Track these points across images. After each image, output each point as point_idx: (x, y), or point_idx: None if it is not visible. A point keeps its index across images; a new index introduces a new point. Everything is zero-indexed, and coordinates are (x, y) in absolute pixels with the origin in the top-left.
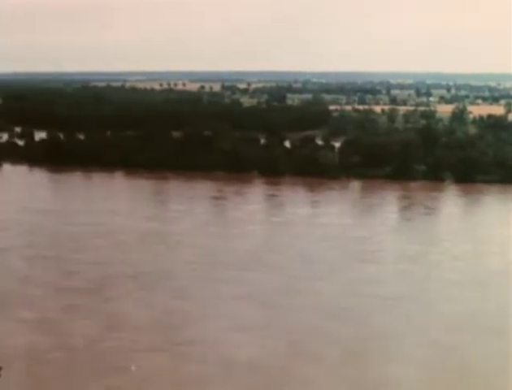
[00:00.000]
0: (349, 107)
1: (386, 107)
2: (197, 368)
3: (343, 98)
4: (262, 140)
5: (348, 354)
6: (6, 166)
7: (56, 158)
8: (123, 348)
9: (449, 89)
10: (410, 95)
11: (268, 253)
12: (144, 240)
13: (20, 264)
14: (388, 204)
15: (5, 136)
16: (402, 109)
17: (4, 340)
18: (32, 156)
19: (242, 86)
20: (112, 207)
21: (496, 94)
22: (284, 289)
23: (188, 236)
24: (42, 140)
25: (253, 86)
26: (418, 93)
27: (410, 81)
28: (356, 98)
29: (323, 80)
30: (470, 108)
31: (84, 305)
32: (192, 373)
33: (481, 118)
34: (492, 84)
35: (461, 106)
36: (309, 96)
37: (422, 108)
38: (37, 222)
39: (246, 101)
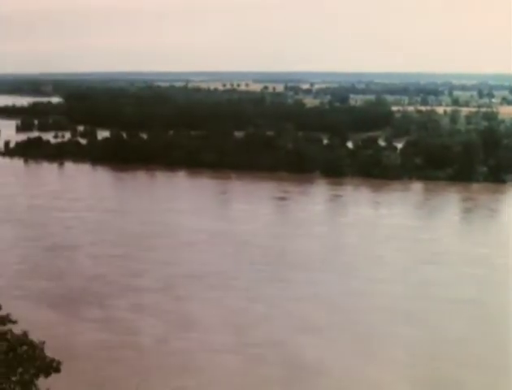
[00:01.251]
0: (411, 108)
1: (448, 108)
2: (266, 370)
3: (405, 99)
4: (325, 141)
5: (417, 357)
6: (69, 165)
7: (119, 156)
8: (193, 349)
9: (511, 91)
10: (472, 96)
11: (334, 253)
12: (210, 239)
13: (87, 262)
14: (451, 206)
15: (67, 135)
16: (464, 110)
17: (73, 337)
18: (95, 155)
19: (305, 86)
20: (177, 206)
21: None
22: (350, 290)
23: (254, 236)
24: (105, 139)
25: (317, 86)
26: (481, 95)
27: (472, 82)
28: (418, 99)
29: (386, 81)
30: None
31: (152, 304)
32: (261, 374)
33: None
34: None
35: None
36: (372, 97)
37: (484, 109)
38: (103, 220)
39: (309, 101)
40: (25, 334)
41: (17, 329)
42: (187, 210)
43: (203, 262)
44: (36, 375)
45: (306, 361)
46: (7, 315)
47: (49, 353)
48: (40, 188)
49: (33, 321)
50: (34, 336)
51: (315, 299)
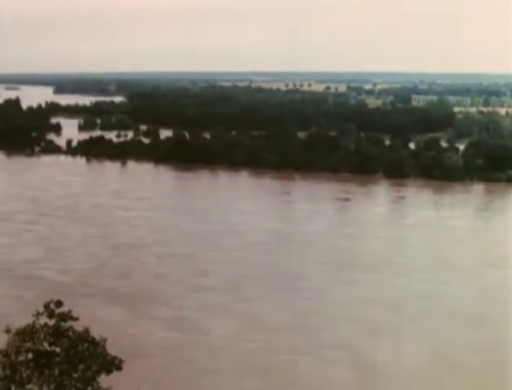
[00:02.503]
0: (473, 109)
1: (510, 109)
2: (337, 372)
3: (468, 100)
4: (387, 142)
5: (487, 362)
6: (131, 164)
7: (181, 156)
8: (263, 350)
9: None
10: None
11: (399, 255)
12: (275, 240)
13: (153, 261)
14: None
15: (130, 135)
16: None
17: (141, 336)
18: (157, 154)
19: (368, 87)
20: (241, 206)
21: None
22: (416, 293)
23: (319, 236)
24: (168, 139)
25: (379, 87)
26: None
27: None
28: (481, 100)
29: (448, 82)
30: None
31: (219, 304)
32: (332, 376)
33: None
34: None
35: None
36: (434, 97)
37: None
38: (167, 219)
39: (372, 102)
40: (87, 331)
41: (78, 326)
42: (251, 211)
43: (269, 263)
44: (98, 372)
45: (376, 363)
46: (69, 312)
47: (117, 351)
48: (103, 187)
49: (101, 319)
50: (102, 334)
51: (382, 301)
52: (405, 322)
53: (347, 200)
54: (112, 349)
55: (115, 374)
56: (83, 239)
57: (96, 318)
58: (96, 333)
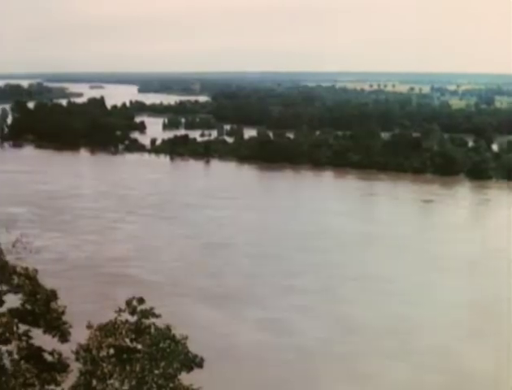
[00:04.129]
0: None
1: None
2: (431, 378)
3: None
4: (470, 143)
5: None
6: (215, 163)
7: (265, 155)
8: (356, 354)
9: None
10: None
11: (489, 258)
12: (363, 241)
13: (244, 261)
14: None
15: (214, 134)
16: None
17: (234, 337)
18: (241, 153)
19: (451, 88)
20: (326, 207)
21: None
22: (509, 297)
23: (406, 239)
24: (252, 138)
25: (463, 88)
26: None
27: None
28: None
29: None
30: None
31: (312, 306)
32: (427, 382)
33: None
34: None
35: None
36: None
37: None
38: (256, 219)
39: (455, 103)
40: (168, 328)
41: (160, 323)
42: (337, 211)
43: (358, 264)
44: (179, 370)
45: (472, 370)
46: (151, 309)
47: (209, 352)
48: (190, 186)
49: (192, 319)
50: (194, 334)
51: (474, 305)
52: (498, 328)
53: (432, 201)
54: (205, 350)
55: (209, 374)
56: (172, 238)
57: (187, 317)
58: (187, 333)
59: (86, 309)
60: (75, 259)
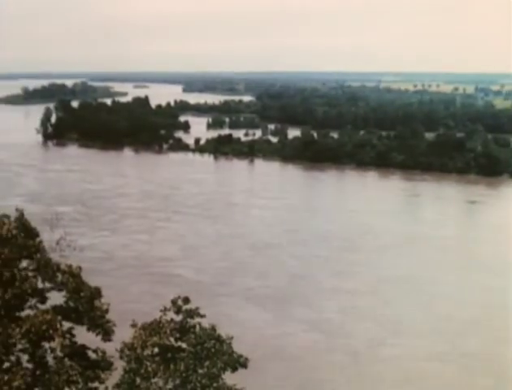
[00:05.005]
0: None
1: None
2: (480, 381)
3: None
4: None
5: None
6: (259, 162)
7: (309, 155)
8: (405, 356)
9: None
10: None
11: None
12: (408, 243)
13: (290, 262)
14: None
15: (258, 133)
16: None
17: (283, 338)
18: (285, 153)
19: (495, 88)
20: (372, 207)
21: None
22: None
23: (451, 240)
24: (296, 138)
25: (507, 88)
26: None
27: None
28: None
29: None
30: None
31: (361, 307)
32: (478, 385)
33: None
34: None
35: None
36: None
37: None
38: (301, 219)
39: (499, 103)
40: (213, 328)
41: (205, 323)
42: (381, 211)
43: (404, 266)
44: (223, 370)
45: None
46: (196, 308)
47: (258, 352)
48: (235, 186)
49: (240, 319)
50: (242, 335)
51: None
52: None
53: (477, 202)
54: (253, 350)
55: (259, 374)
56: (218, 237)
57: (235, 318)
58: (235, 333)
59: (134, 309)
60: (122, 258)
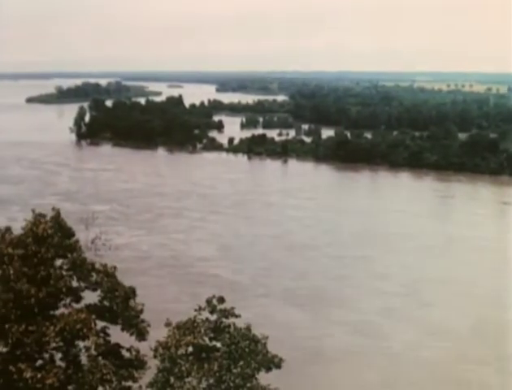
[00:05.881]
0: None
1: None
2: None
3: None
4: None
5: None
6: (292, 162)
7: (342, 155)
8: (445, 359)
9: None
10: None
11: None
12: (446, 244)
13: (328, 263)
14: None
15: (291, 133)
16: None
17: (322, 340)
18: (319, 153)
19: None
20: (407, 208)
21: None
22: None
23: (488, 241)
24: (329, 138)
25: None
26: None
27: None
28: None
29: None
30: None
31: (400, 309)
32: None
33: None
34: None
35: None
36: None
37: None
38: (337, 220)
39: None
40: (248, 328)
41: (240, 323)
42: (416, 213)
43: (442, 267)
44: (257, 370)
45: None
46: (231, 308)
47: (297, 354)
48: (270, 186)
49: (279, 320)
50: (281, 336)
51: None
52: None
53: (510, 204)
54: (293, 352)
55: (299, 376)
56: (255, 238)
57: (274, 319)
58: (274, 334)
59: (172, 309)
60: (160, 258)
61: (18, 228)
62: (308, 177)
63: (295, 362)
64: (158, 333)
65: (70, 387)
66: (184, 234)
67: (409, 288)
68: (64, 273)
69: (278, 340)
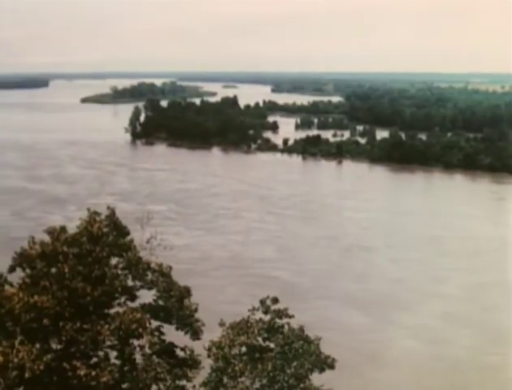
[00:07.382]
0: None
1: None
2: None
3: None
4: None
5: None
6: (347, 164)
7: (397, 157)
8: (508, 366)
9: None
10: None
11: None
12: (501, 246)
13: (387, 265)
14: None
15: (346, 134)
16: None
17: (383, 344)
18: (373, 154)
19: None
20: (462, 210)
21: None
22: None
23: None
24: (384, 139)
25: None
26: None
27: None
28: None
29: None
30: None
31: (459, 313)
32: None
33: None
34: None
35: None
36: None
37: None
38: (395, 222)
39: None
40: (301, 329)
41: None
42: (472, 215)
43: (501, 270)
44: (311, 370)
45: None
46: (285, 309)
47: (358, 358)
48: (325, 187)
49: (339, 323)
50: (340, 339)
51: None
52: None
53: None
54: (353, 354)
55: (360, 379)
56: (314, 239)
57: (334, 321)
58: (334, 337)
59: (230, 310)
60: (218, 259)
61: (74, 228)
62: (363, 178)
63: (355, 365)
64: (215, 335)
65: (124, 386)
66: (243, 235)
67: (468, 291)
68: (119, 272)
69: (339, 342)
